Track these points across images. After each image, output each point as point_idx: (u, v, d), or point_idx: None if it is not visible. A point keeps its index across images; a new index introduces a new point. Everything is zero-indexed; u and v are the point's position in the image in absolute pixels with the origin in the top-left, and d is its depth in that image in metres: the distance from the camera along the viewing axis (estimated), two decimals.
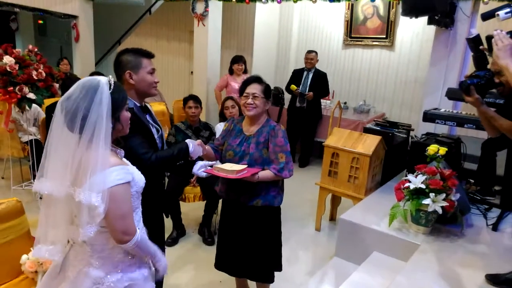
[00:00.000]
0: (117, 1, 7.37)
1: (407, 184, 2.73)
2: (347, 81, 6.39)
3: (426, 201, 2.60)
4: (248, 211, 2.39)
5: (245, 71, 5.45)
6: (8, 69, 3.48)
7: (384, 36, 5.78)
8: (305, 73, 5.49)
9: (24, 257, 2.17)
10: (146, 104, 2.27)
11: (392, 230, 2.83)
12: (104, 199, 1.37)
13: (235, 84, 5.28)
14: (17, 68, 3.53)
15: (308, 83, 5.46)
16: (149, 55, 2.11)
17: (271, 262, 2.53)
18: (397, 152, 3.91)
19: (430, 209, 2.59)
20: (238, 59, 5.37)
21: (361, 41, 6.05)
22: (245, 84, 2.39)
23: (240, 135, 2.40)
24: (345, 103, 6.19)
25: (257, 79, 2.38)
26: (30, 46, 3.73)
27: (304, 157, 5.73)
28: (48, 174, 1.44)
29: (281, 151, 2.29)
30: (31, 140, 4.21)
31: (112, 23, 8.72)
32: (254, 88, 2.33)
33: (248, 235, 2.43)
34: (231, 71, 5.40)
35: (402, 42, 5.73)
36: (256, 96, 2.31)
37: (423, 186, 2.63)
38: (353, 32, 6.07)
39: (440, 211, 2.57)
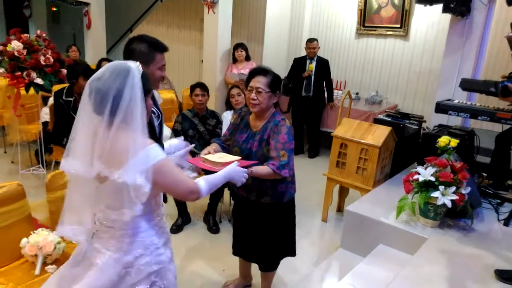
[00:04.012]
0: None
1: (416, 176, 2.66)
2: (359, 71, 6.27)
3: (435, 194, 2.53)
4: (258, 207, 2.34)
5: (248, 58, 5.41)
6: (16, 54, 3.48)
7: (399, 26, 5.63)
8: (308, 61, 5.40)
9: (24, 240, 2.17)
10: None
11: (399, 223, 2.77)
12: (149, 178, 1.41)
13: (235, 71, 5.38)
14: (25, 53, 3.53)
15: (313, 71, 5.37)
16: (164, 49, 2.02)
17: (283, 251, 2.50)
18: (408, 144, 3.82)
19: (439, 202, 2.52)
20: (237, 46, 5.38)
21: (374, 30, 5.91)
22: (250, 76, 2.24)
23: (247, 130, 2.29)
24: (357, 93, 6.08)
25: (262, 71, 2.21)
26: (39, 31, 3.72)
27: (313, 148, 5.66)
28: (76, 155, 1.45)
29: (283, 149, 2.13)
30: (44, 122, 4.21)
31: (124, 11, 8.70)
32: (258, 82, 2.17)
33: (260, 229, 2.40)
34: (234, 59, 5.37)
35: (417, 31, 5.58)
36: (259, 91, 2.15)
37: (433, 179, 2.56)
38: (367, 21, 5.93)
39: (449, 204, 2.50)
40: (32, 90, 3.64)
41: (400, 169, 3.74)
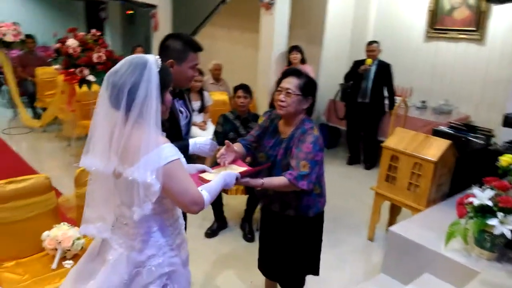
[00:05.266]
0: None
1: (471, 199, 2.30)
2: (427, 78, 5.76)
3: (492, 222, 2.15)
4: (281, 219, 2.17)
5: (303, 61, 5.18)
6: (71, 52, 3.63)
7: (474, 29, 5.06)
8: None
9: (45, 233, 2.19)
10: (181, 89, 2.16)
11: (450, 251, 2.41)
12: (159, 178, 1.36)
13: None
14: (79, 50, 3.66)
15: (372, 76, 5.02)
16: (198, 49, 1.99)
17: (305, 269, 2.29)
18: (473, 160, 3.36)
19: (496, 232, 2.14)
20: (293, 48, 5.17)
21: (445, 33, 5.38)
22: (282, 76, 2.07)
23: (275, 135, 2.12)
24: (423, 101, 5.59)
25: (295, 72, 2.04)
26: (94, 30, 3.86)
27: (369, 158, 5.29)
28: (94, 151, 1.43)
29: (305, 159, 1.93)
30: None
31: (189, 14, 8.88)
32: (288, 83, 2.00)
33: (282, 242, 2.22)
34: (289, 62, 5.19)
35: (494, 35, 4.97)
36: (289, 93, 1.98)
37: (490, 203, 2.19)
38: (437, 24, 5.43)
39: (509, 235, 2.11)
40: (84, 87, 3.76)
41: (462, 188, 3.28)
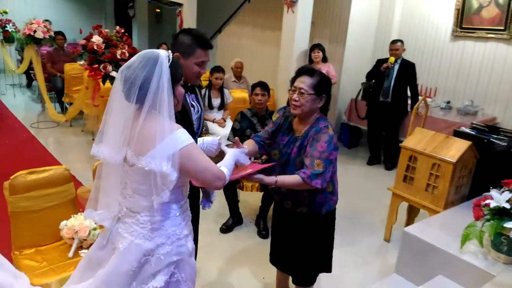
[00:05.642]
0: None
1: (488, 201, 2.24)
2: (453, 78, 5.61)
3: (510, 225, 2.09)
4: (293, 216, 2.18)
5: (324, 59, 5.15)
6: (95, 48, 3.73)
7: (502, 28, 4.90)
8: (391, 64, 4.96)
9: (62, 223, 2.28)
10: (193, 84, 2.19)
11: (465, 253, 2.35)
12: (175, 166, 1.42)
13: None
14: (103, 47, 3.76)
15: (394, 75, 4.93)
16: (207, 46, 1.99)
17: (317, 266, 2.30)
18: (495, 162, 3.27)
19: None
20: (314, 47, 5.16)
21: (473, 32, 5.23)
22: (296, 75, 2.07)
23: (289, 133, 2.12)
24: (448, 102, 5.46)
25: (309, 71, 2.03)
26: (118, 27, 3.95)
27: (389, 159, 5.20)
28: (106, 140, 1.50)
29: (320, 158, 1.92)
30: None
31: (214, 12, 8.97)
32: (301, 82, 2.00)
33: (294, 239, 2.23)
34: (310, 60, 5.16)
35: None
36: (302, 93, 1.98)
37: (508, 206, 2.13)
38: (465, 22, 5.28)
39: None
40: (108, 83, 3.86)
41: (482, 191, 3.18)
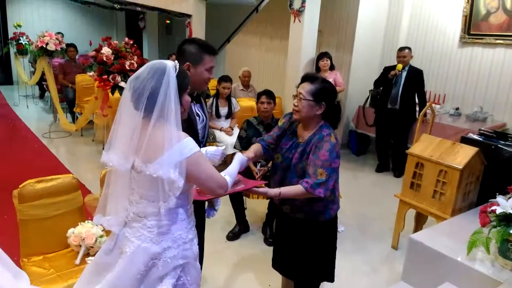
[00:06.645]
0: (230, 1, 7.64)
1: (494, 207, 2.22)
2: (461, 84, 5.58)
3: None
4: (292, 221, 2.19)
5: (332, 67, 5.17)
6: (105, 59, 3.81)
7: (511, 34, 4.88)
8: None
9: (70, 230, 2.31)
10: (199, 94, 2.23)
11: (472, 260, 2.33)
12: (183, 173, 1.47)
13: None
14: (112, 58, 3.84)
15: (402, 82, 4.92)
16: (213, 52, 2.06)
17: (318, 273, 2.29)
18: (503, 168, 3.23)
19: None
20: (322, 55, 5.19)
21: (481, 38, 5.20)
22: (300, 81, 2.11)
23: (292, 138, 2.15)
24: (457, 108, 5.43)
25: (310, 78, 2.06)
26: (126, 39, 4.03)
27: (398, 166, 5.17)
28: (115, 148, 1.55)
29: (322, 167, 1.94)
30: None
31: (223, 22, 9.07)
32: (302, 88, 2.04)
33: (293, 243, 2.24)
34: (317, 69, 5.18)
35: None
36: (301, 98, 2.01)
37: None
38: (472, 29, 5.26)
39: None
40: (117, 93, 3.93)
41: (491, 197, 3.15)
